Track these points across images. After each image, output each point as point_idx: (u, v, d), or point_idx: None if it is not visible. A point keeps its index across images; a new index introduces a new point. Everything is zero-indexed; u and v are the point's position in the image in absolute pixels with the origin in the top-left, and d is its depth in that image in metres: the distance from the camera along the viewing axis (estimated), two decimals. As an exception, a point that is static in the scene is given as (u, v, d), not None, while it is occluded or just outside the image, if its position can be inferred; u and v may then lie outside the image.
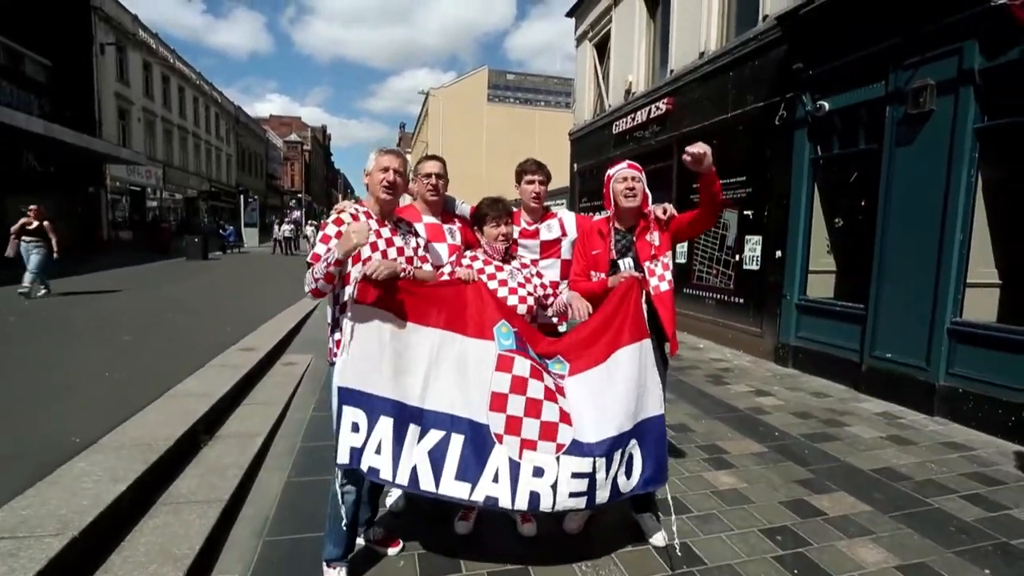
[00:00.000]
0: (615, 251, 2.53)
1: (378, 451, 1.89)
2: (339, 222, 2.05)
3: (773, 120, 6.34)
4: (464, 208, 2.70)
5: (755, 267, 6.80)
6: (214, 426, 3.79)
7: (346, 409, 1.90)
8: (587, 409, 2.07)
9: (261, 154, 46.56)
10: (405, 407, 1.90)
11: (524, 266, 2.54)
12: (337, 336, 2.12)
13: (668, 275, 2.49)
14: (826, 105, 5.57)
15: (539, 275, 2.56)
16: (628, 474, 2.09)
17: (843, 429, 4.25)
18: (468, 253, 2.47)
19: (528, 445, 1.92)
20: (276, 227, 25.23)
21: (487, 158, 42.42)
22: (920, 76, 4.63)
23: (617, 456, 2.04)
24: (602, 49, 12.14)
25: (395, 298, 1.96)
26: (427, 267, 2.26)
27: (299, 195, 59.70)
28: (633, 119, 10.02)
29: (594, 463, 1.97)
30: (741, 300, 7.11)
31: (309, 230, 28.43)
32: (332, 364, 2.15)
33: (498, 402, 1.95)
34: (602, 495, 2.01)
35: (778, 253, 6.36)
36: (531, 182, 2.70)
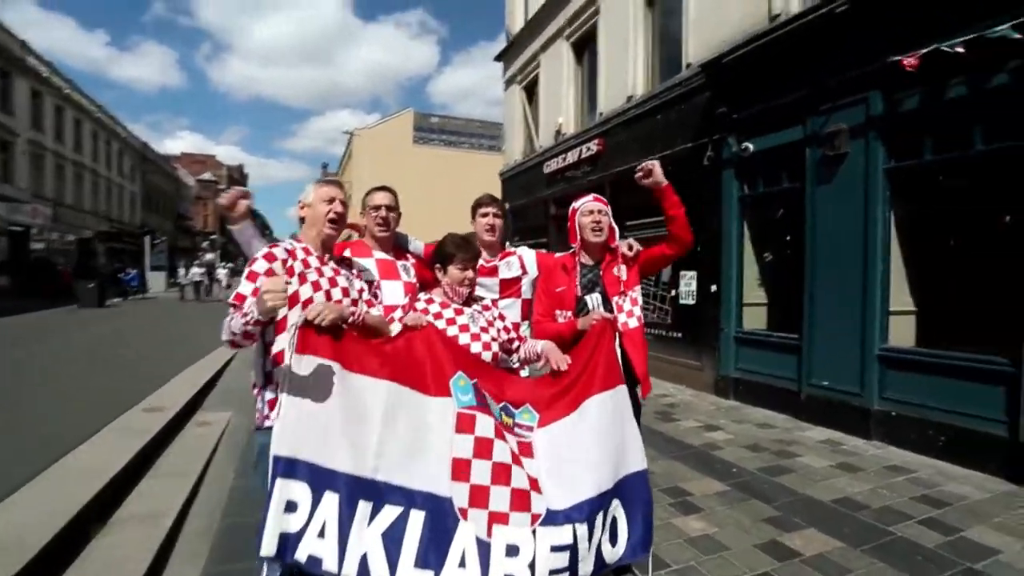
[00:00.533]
0: (581, 286, 2.43)
1: (321, 534, 1.58)
2: (270, 257, 1.80)
3: (701, 160, 6.62)
4: (417, 245, 2.56)
5: (691, 301, 6.96)
6: (109, 508, 3.16)
7: (281, 484, 1.58)
8: (561, 466, 1.86)
9: (171, 193, 43.59)
10: (355, 480, 1.63)
11: (486, 308, 2.35)
12: (270, 395, 1.84)
13: (637, 311, 2.41)
14: (750, 147, 5.90)
15: (501, 317, 2.39)
16: (613, 540, 1.87)
17: (795, 460, 4.28)
18: (423, 295, 2.28)
19: (498, 519, 1.66)
20: (183, 270, 23.16)
21: (414, 200, 42.03)
22: (834, 121, 4.99)
23: (599, 520, 1.82)
24: (531, 91, 12.46)
25: (342, 347, 1.71)
26: (376, 311, 2.04)
27: (213, 236, 56.18)
28: (564, 159, 10.25)
29: (574, 532, 1.74)
30: (679, 334, 7.22)
31: (223, 273, 26.60)
32: (262, 429, 1.84)
33: (461, 470, 1.69)
34: (585, 569, 1.76)
35: (713, 287, 6.54)
36: (485, 215, 2.62)
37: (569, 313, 2.38)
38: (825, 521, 3.20)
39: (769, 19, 5.78)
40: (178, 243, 42.66)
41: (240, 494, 3.57)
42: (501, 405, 1.90)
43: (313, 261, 1.89)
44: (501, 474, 1.72)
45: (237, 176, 74.50)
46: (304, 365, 1.65)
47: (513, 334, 2.33)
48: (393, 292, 2.26)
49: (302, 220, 1.98)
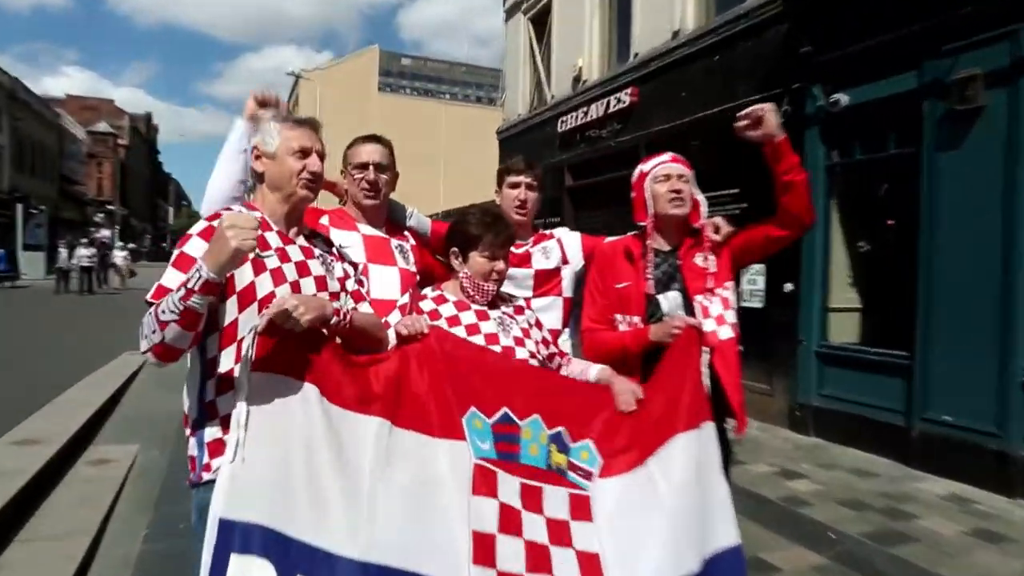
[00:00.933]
0: (654, 281, 2.31)
1: None
2: (209, 232, 1.60)
3: (775, 117, 6.47)
4: (421, 220, 2.48)
5: (757, 304, 6.80)
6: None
7: (236, 561, 1.42)
8: (632, 540, 1.73)
9: (52, 148, 42.76)
10: (336, 560, 1.49)
11: (519, 311, 2.19)
12: (212, 435, 1.65)
13: (730, 316, 2.31)
14: (844, 99, 5.73)
15: (539, 324, 2.24)
16: None
17: (913, 523, 4.12)
18: (429, 291, 2.16)
19: None
20: (65, 251, 21.89)
21: (379, 163, 41.96)
22: (964, 65, 4.81)
23: None
24: (541, 25, 12.28)
25: (321, 364, 1.60)
26: (365, 307, 1.89)
27: (110, 207, 55.54)
28: (585, 114, 10.12)
29: None
30: (741, 348, 7.04)
31: (120, 257, 25.95)
32: (197, 485, 1.67)
33: (484, 549, 1.57)
34: None
35: (787, 286, 6.40)
36: (516, 184, 2.54)
37: (636, 319, 2.29)
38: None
39: (874, -74, 5.59)
40: (62, 214, 41.96)
41: (154, 560, 3.37)
42: (553, 432, 1.79)
43: (274, 239, 1.71)
44: (540, 560, 1.61)
45: (143, 129, 73.80)
46: (266, 389, 1.52)
47: (553, 348, 2.20)
48: (385, 282, 2.16)
49: (257, 177, 1.78)
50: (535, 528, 1.65)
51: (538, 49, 12.42)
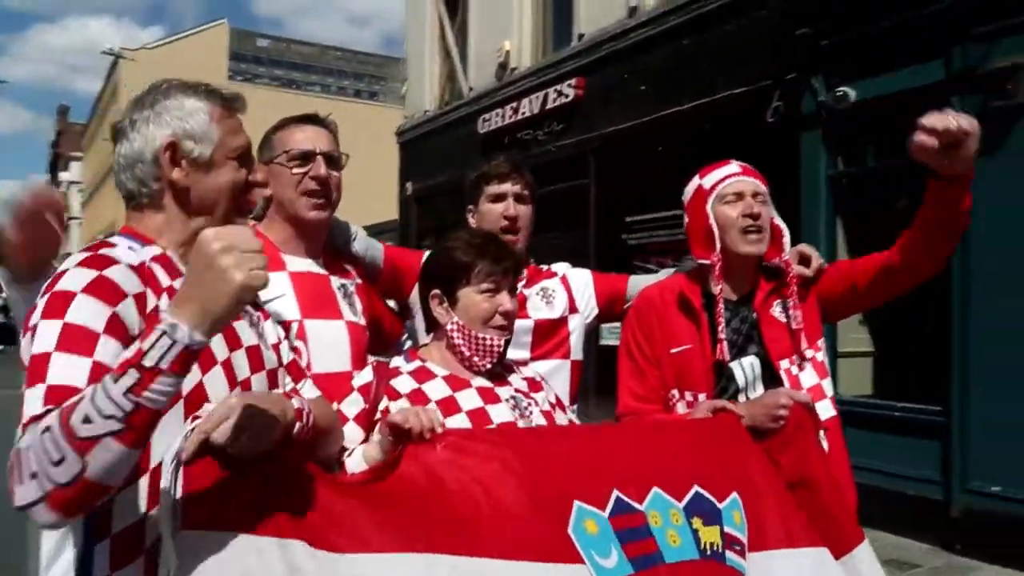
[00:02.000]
0: (728, 342, 2.16)
1: None
2: (102, 287, 1.32)
3: (763, 115, 6.60)
4: (371, 244, 2.36)
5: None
6: None
7: None
8: None
9: None
10: None
11: (535, 386, 2.02)
12: None
13: (828, 387, 2.23)
14: (851, 94, 5.86)
15: (560, 405, 2.10)
16: None
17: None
18: (403, 363, 1.94)
19: None
20: None
21: (229, 172, 41.26)
22: (1002, 52, 5.01)
23: None
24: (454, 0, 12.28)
25: (295, 498, 1.38)
26: (309, 388, 1.71)
27: None
28: (515, 111, 10.16)
29: None
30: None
31: None
32: None
33: None
34: None
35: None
36: (500, 196, 2.40)
37: (702, 396, 2.16)
38: None
39: None
40: None
41: None
42: (688, 501, 1.65)
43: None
44: None
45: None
46: (210, 557, 1.24)
47: None
48: (329, 346, 2.01)
49: (174, 190, 1.48)
50: None
51: (450, 28, 12.43)
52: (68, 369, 1.21)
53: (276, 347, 1.65)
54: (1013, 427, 4.94)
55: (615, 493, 1.57)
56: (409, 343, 2.39)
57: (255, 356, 1.52)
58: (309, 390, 1.69)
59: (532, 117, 9.83)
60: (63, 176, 69.29)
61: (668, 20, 7.79)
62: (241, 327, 1.53)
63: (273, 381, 1.60)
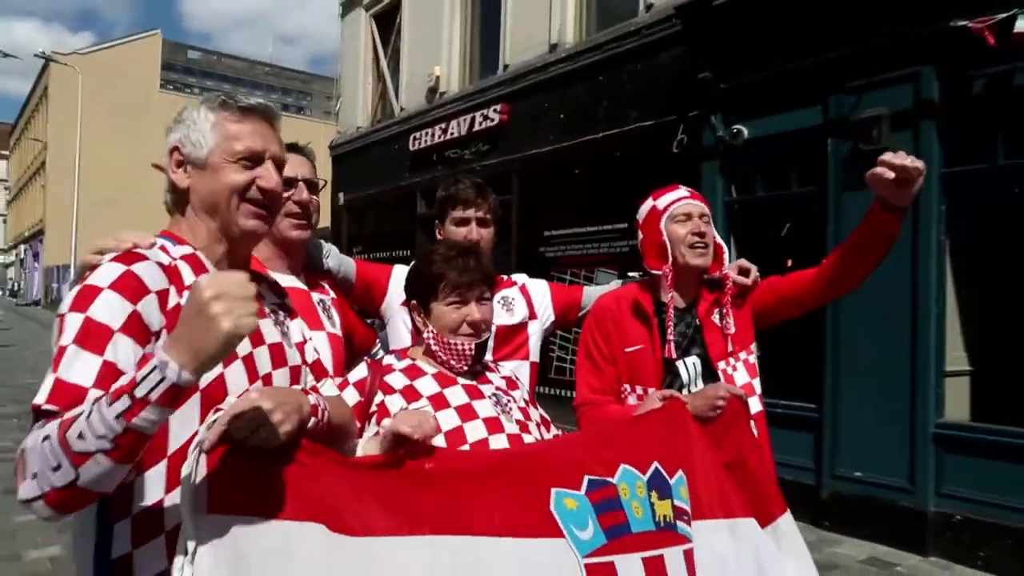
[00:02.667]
0: (675, 345, 2.22)
1: None
2: (129, 282, 1.27)
3: (669, 146, 6.84)
4: (343, 261, 2.34)
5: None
6: None
7: None
8: None
9: None
10: None
11: (512, 384, 1.99)
12: None
13: (758, 385, 2.27)
14: (745, 131, 6.18)
15: (533, 402, 2.05)
16: None
17: (847, 597, 4.35)
18: (395, 361, 1.90)
19: None
20: None
21: (158, 178, 39.25)
22: (869, 103, 5.40)
23: None
24: (387, 23, 12.24)
25: (309, 484, 1.31)
26: (330, 386, 1.69)
27: None
28: (444, 131, 10.16)
29: None
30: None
31: None
32: None
33: None
34: None
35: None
36: (464, 221, 2.36)
37: (651, 390, 2.16)
38: None
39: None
40: None
41: None
42: (650, 475, 1.66)
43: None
44: None
45: None
46: (231, 540, 1.20)
47: (555, 431, 2.01)
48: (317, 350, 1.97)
49: (177, 194, 1.46)
50: None
51: (384, 52, 12.32)
52: (79, 366, 1.19)
53: (300, 346, 1.60)
54: (872, 422, 5.28)
55: (586, 477, 1.58)
56: (381, 352, 2.33)
57: (277, 353, 1.47)
58: (329, 388, 1.65)
59: (460, 138, 9.80)
60: (-13, 175, 65.10)
61: (585, 57, 7.92)
62: (265, 325, 1.47)
63: (295, 377, 1.54)
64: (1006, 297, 5.32)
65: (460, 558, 1.40)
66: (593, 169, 7.86)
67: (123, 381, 1.08)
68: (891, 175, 1.94)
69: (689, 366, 2.24)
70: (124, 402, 1.05)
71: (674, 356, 2.21)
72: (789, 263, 6.47)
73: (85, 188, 28.88)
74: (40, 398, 1.14)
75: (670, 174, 6.53)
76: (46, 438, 1.08)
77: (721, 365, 2.23)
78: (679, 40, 6.82)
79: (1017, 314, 5.25)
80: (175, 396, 1.08)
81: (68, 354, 1.18)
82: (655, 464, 1.66)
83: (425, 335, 1.85)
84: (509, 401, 1.87)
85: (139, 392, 1.05)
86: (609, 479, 1.58)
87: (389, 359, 1.89)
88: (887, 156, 1.97)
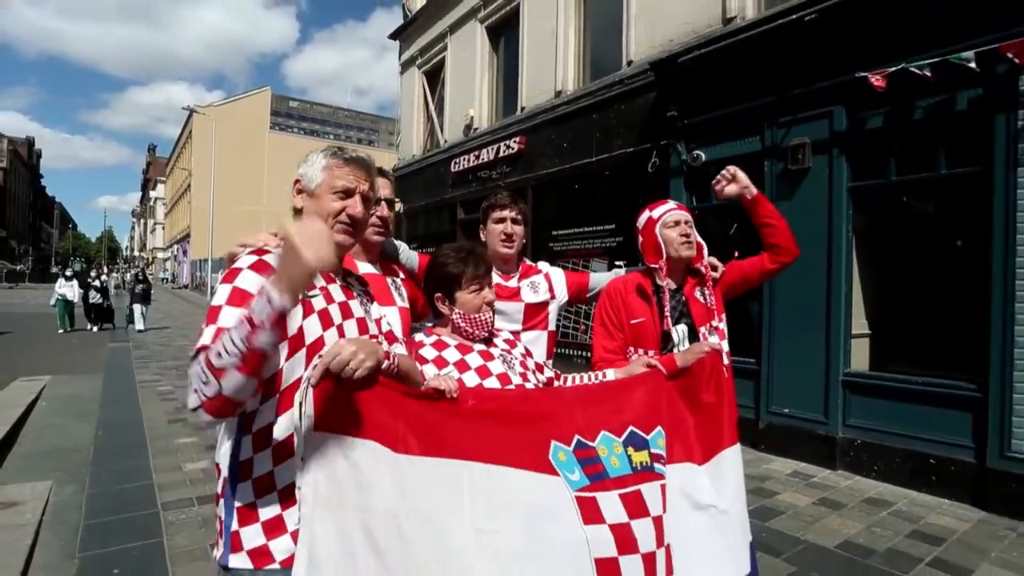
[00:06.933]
0: (670, 317, 2.20)
1: None
2: (262, 265, 1.30)
3: (645, 167, 6.71)
4: (410, 256, 2.27)
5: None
6: None
7: None
8: (693, 533, 1.63)
9: (-81, 169, 35.83)
10: None
11: (511, 343, 1.96)
12: (245, 497, 1.29)
13: (726, 346, 2.23)
14: (702, 156, 6.05)
15: (528, 353, 2.00)
16: None
17: (777, 499, 4.34)
18: (424, 337, 1.85)
19: None
20: None
21: (270, 194, 39.57)
22: (796, 134, 5.26)
23: None
24: (434, 78, 12.07)
25: (380, 414, 1.30)
26: (400, 348, 1.62)
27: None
28: (477, 157, 10.01)
29: None
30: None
31: None
32: (223, 567, 1.30)
33: (608, 574, 1.38)
34: None
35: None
36: (502, 219, 2.31)
37: (651, 352, 2.14)
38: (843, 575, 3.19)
39: (723, 21, 5.99)
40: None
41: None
42: (625, 437, 1.58)
43: (318, 278, 1.37)
44: (650, 567, 1.44)
45: (24, 153, 64.09)
46: (332, 453, 1.20)
47: (548, 373, 1.97)
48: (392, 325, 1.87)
49: (295, 212, 1.46)
50: (646, 536, 1.49)
51: (431, 99, 12.17)
52: (228, 317, 1.20)
53: (378, 321, 1.59)
54: (797, 371, 5.22)
55: (576, 436, 1.55)
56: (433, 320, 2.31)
57: (361, 324, 1.47)
58: (399, 349, 1.64)
59: (488, 162, 9.70)
60: (152, 194, 65.85)
61: (582, 101, 7.80)
62: (353, 304, 1.46)
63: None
64: (898, 278, 5.21)
65: (478, 481, 1.37)
66: (588, 184, 7.78)
67: (244, 314, 1.10)
68: (719, 186, 2.29)
69: (679, 332, 2.21)
70: (245, 328, 1.08)
71: (669, 326, 2.19)
72: (736, 254, 6.41)
73: (218, 203, 29.08)
74: (202, 341, 1.17)
75: (646, 189, 6.61)
76: (200, 363, 1.12)
77: (702, 330, 2.22)
78: (652, 87, 6.69)
79: (905, 291, 5.14)
80: (279, 320, 1.10)
81: (222, 311, 1.23)
82: (630, 428, 1.60)
83: (453, 316, 1.81)
84: (512, 358, 1.86)
85: (255, 318, 1.08)
86: (591, 443, 1.54)
87: (420, 336, 1.85)
88: (718, 177, 2.26)
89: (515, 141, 9.04)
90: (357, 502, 1.22)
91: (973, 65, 4.13)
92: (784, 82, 5.29)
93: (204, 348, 1.14)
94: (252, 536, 1.26)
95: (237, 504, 1.28)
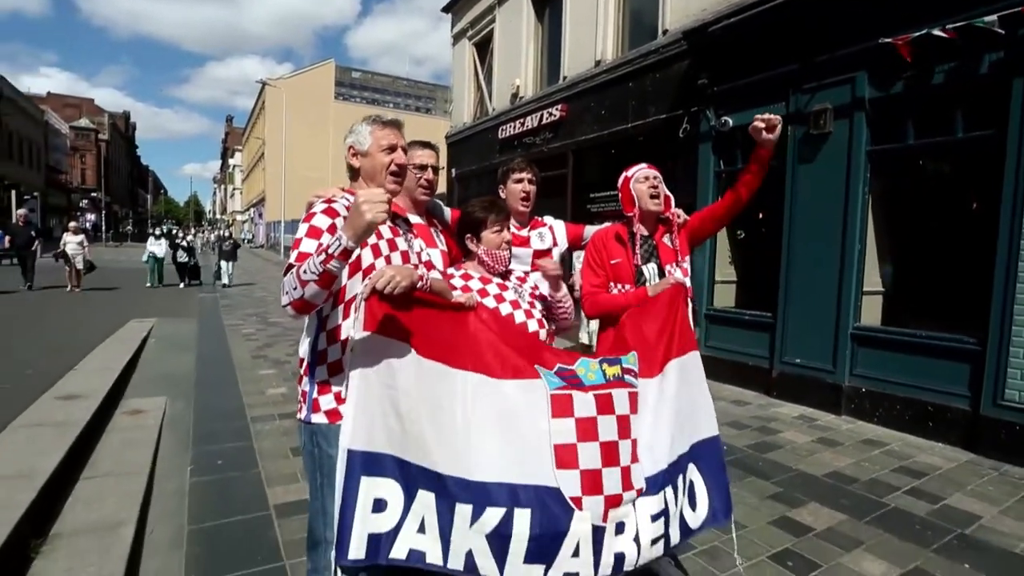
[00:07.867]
0: (640, 256, 2.44)
1: (421, 529, 1.50)
2: (330, 210, 1.63)
3: (676, 132, 6.76)
4: (445, 211, 2.49)
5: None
6: (46, 520, 2.79)
7: (367, 483, 1.46)
8: (653, 428, 1.84)
9: (38, 141, 38.71)
10: (447, 480, 1.53)
11: (521, 280, 2.28)
12: (322, 375, 1.68)
13: (688, 281, 2.45)
14: (730, 121, 6.05)
15: (535, 288, 2.30)
16: (693, 505, 1.91)
17: (778, 436, 4.56)
18: (454, 271, 2.14)
19: (613, 502, 1.61)
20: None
21: (335, 161, 40.56)
22: (818, 100, 5.23)
23: (680, 483, 1.86)
24: (483, 48, 12.14)
25: (414, 326, 1.58)
26: (435, 274, 1.91)
27: (94, 194, 50.93)
28: (522, 124, 10.14)
29: (665, 496, 1.76)
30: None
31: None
32: (306, 423, 1.70)
33: (566, 457, 1.60)
34: (675, 535, 1.79)
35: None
36: (520, 180, 2.57)
37: (627, 286, 2.40)
38: (825, 496, 3.45)
39: (755, -11, 5.91)
40: (50, 200, 38.27)
41: (205, 491, 3.30)
42: (601, 359, 1.78)
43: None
44: (611, 454, 1.64)
45: (122, 126, 67.77)
46: (374, 347, 1.51)
47: (547, 299, 2.23)
48: (433, 261, 2.12)
49: (353, 171, 1.80)
50: (608, 428, 1.63)
51: (481, 70, 12.26)
52: (306, 245, 1.54)
53: (419, 254, 1.83)
54: (810, 324, 5.33)
55: (558, 364, 1.71)
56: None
57: (404, 256, 1.72)
58: (434, 274, 1.89)
59: (532, 129, 9.82)
60: (231, 162, 68.58)
61: (619, 70, 7.82)
62: (399, 240, 1.72)
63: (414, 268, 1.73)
64: (911, 238, 5.21)
65: (470, 387, 1.61)
66: (624, 149, 7.83)
67: (324, 243, 1.44)
68: (762, 126, 2.30)
69: (650, 269, 2.43)
70: (322, 256, 1.41)
71: (639, 263, 2.42)
72: (761, 216, 6.48)
73: (289, 168, 30.17)
74: (291, 259, 1.53)
75: (677, 153, 6.70)
76: (292, 273, 1.46)
77: (668, 268, 2.42)
78: (685, 56, 6.67)
79: (918, 250, 5.15)
80: (346, 253, 1.41)
81: (303, 241, 1.56)
82: (606, 356, 1.79)
83: (479, 252, 2.08)
84: (523, 289, 2.15)
85: (330, 250, 1.40)
86: (570, 366, 1.72)
87: (450, 270, 2.10)
88: (762, 116, 2.29)
89: (557, 108, 9.12)
90: (387, 382, 1.50)
91: (998, 28, 4.06)
92: (809, 49, 5.24)
93: (291, 266, 1.48)
94: (327, 402, 1.65)
95: (317, 380, 1.66)
